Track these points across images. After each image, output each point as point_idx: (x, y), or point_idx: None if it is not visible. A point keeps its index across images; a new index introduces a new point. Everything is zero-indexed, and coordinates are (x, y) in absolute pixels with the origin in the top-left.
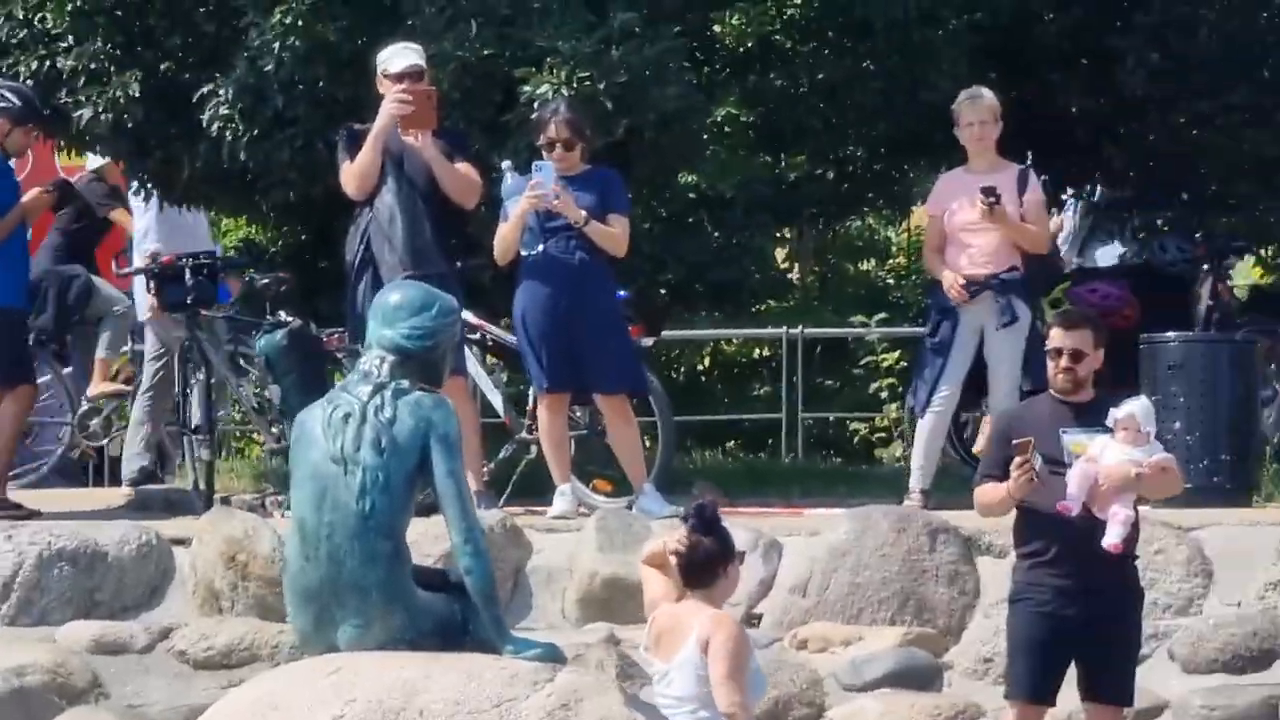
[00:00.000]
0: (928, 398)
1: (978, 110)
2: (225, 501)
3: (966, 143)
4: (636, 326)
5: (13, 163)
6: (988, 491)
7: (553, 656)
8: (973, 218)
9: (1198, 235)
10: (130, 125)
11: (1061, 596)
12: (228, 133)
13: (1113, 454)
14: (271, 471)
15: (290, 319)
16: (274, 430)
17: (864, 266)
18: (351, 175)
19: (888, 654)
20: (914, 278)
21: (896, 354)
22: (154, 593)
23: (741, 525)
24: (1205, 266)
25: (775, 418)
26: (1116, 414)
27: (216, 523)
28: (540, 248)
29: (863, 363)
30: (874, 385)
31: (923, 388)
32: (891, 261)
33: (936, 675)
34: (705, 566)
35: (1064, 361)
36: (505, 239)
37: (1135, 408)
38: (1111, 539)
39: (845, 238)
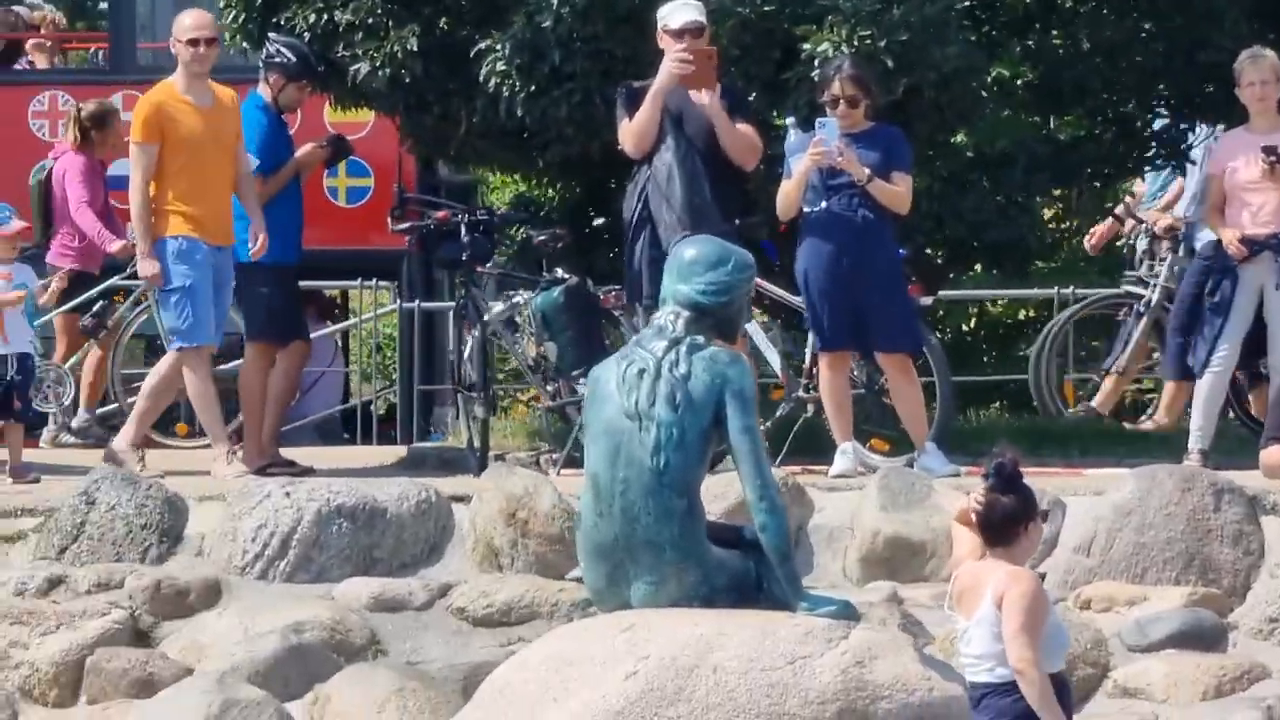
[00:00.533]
0: (1207, 357)
1: (1259, 69)
2: (500, 459)
3: (1248, 102)
4: (915, 285)
5: (285, 118)
6: (1275, 454)
7: (847, 614)
8: (1254, 176)
9: None
10: (407, 80)
11: None
12: (505, 88)
13: None
14: (546, 429)
15: (567, 276)
16: (549, 388)
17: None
18: (630, 133)
19: (1173, 614)
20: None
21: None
22: (433, 550)
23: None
24: None
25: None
26: None
27: (497, 480)
28: (824, 204)
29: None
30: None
31: (1202, 347)
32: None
33: (1222, 635)
34: (1005, 525)
35: None
36: (788, 196)
37: None
38: None
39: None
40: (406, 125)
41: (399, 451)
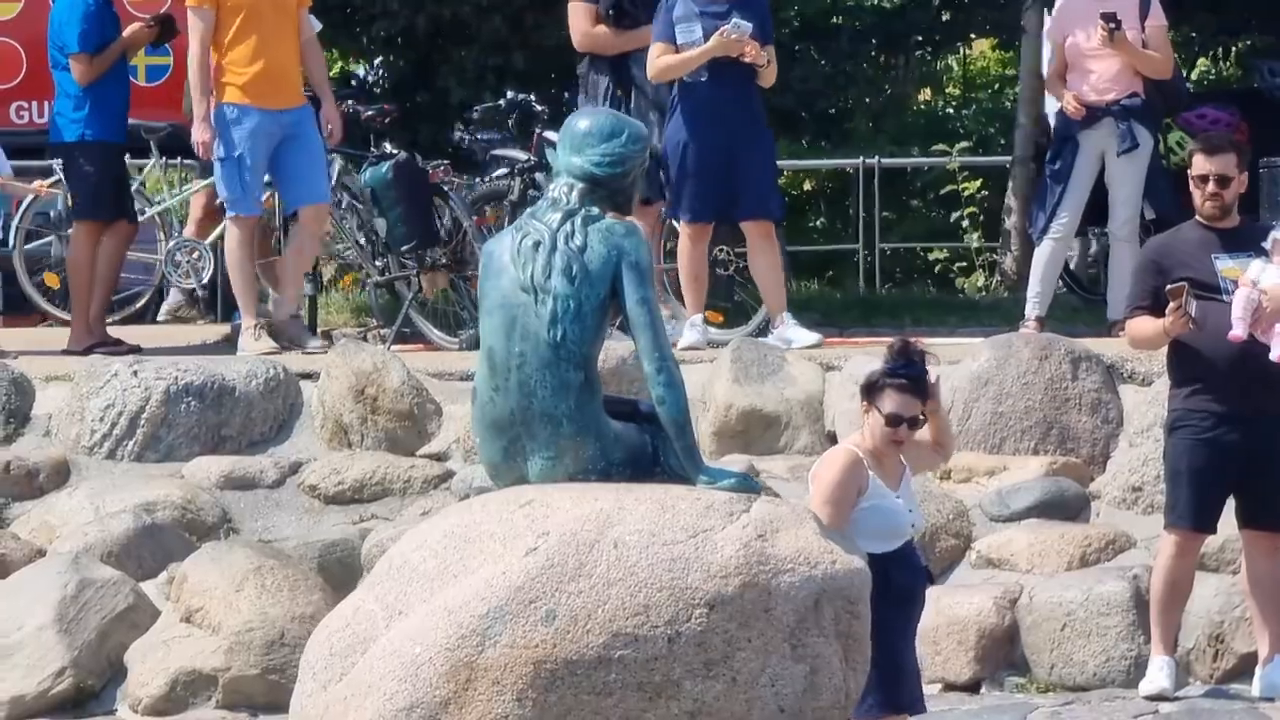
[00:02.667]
0: (1046, 224)
1: None
2: (327, 336)
3: None
4: None
5: None
6: (1142, 325)
7: (747, 486)
8: (1094, 44)
9: None
10: None
11: (1223, 423)
12: None
13: (1272, 276)
14: (375, 305)
15: (396, 151)
16: (378, 263)
17: (922, 98)
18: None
19: (1034, 484)
20: (972, 108)
21: (978, 183)
22: (281, 428)
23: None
24: None
25: (850, 248)
26: (1276, 235)
27: (345, 356)
28: (704, 76)
29: (944, 191)
30: (954, 214)
31: (1041, 215)
32: (949, 92)
33: (1084, 505)
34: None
35: (1210, 187)
36: (672, 68)
37: None
38: (1278, 352)
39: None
40: None
41: (222, 329)
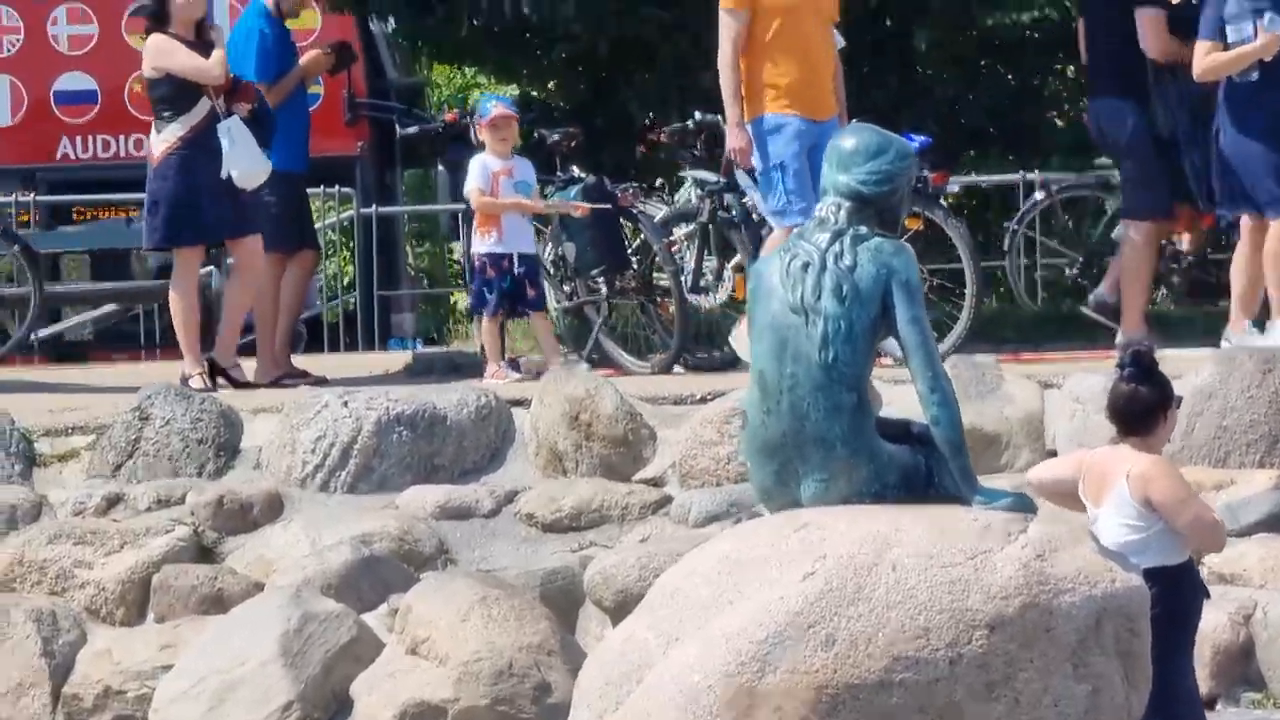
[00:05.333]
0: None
1: None
2: (514, 363)
3: None
4: (939, 173)
5: (292, 23)
6: None
7: (1024, 506)
8: None
9: None
10: None
11: None
12: None
13: None
14: (563, 330)
15: (584, 175)
16: (565, 288)
17: None
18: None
19: (1263, 497)
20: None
21: None
22: (494, 456)
23: (1096, 370)
24: None
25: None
26: None
27: (557, 382)
28: (1255, 76)
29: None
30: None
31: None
32: None
33: None
34: (1145, 415)
35: None
36: (1224, 65)
37: None
38: None
39: None
40: (408, 29)
41: (403, 357)
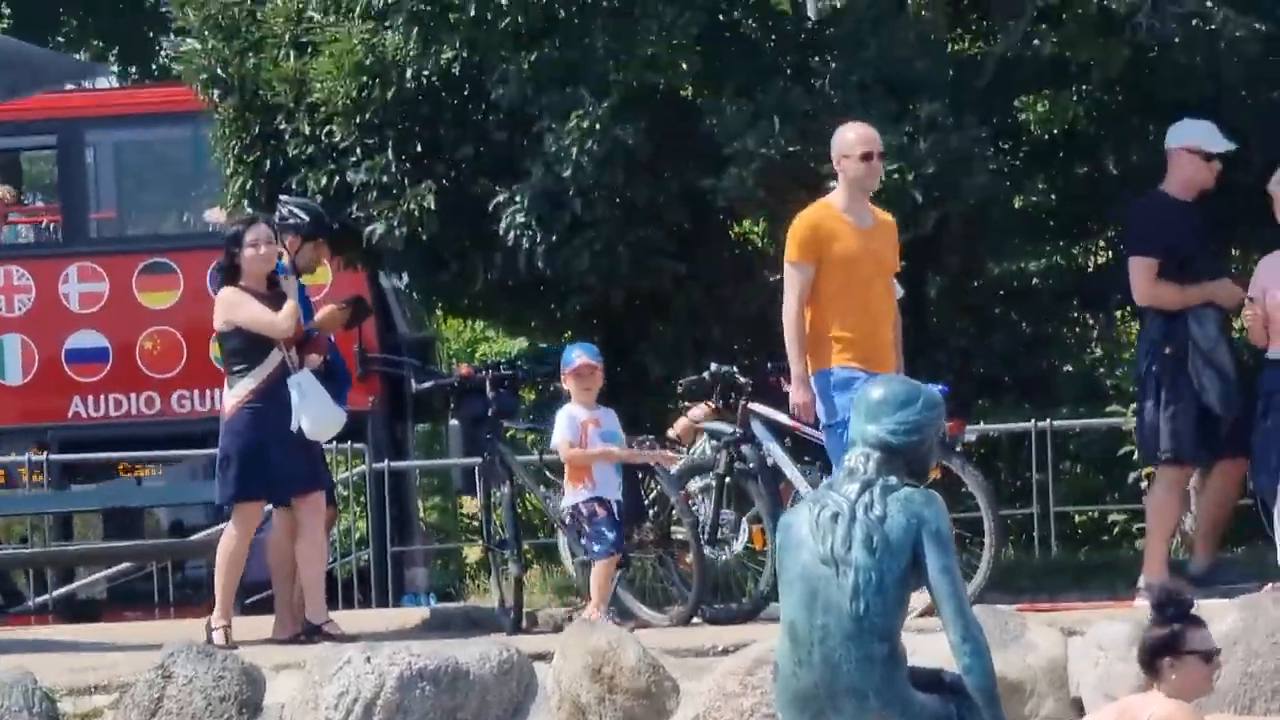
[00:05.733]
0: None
1: None
2: (532, 618)
3: None
4: (955, 422)
5: (304, 280)
6: None
7: None
8: None
9: None
10: (425, 238)
11: None
12: (525, 240)
13: None
14: (581, 583)
15: None
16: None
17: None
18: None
19: None
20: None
21: None
22: (516, 710)
23: (1119, 618)
24: None
25: (1025, 511)
26: None
27: (579, 635)
28: None
29: (1122, 452)
30: (1132, 475)
31: (1265, 473)
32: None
33: None
34: (1147, 656)
35: None
36: None
37: None
38: None
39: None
40: (422, 284)
41: (420, 613)
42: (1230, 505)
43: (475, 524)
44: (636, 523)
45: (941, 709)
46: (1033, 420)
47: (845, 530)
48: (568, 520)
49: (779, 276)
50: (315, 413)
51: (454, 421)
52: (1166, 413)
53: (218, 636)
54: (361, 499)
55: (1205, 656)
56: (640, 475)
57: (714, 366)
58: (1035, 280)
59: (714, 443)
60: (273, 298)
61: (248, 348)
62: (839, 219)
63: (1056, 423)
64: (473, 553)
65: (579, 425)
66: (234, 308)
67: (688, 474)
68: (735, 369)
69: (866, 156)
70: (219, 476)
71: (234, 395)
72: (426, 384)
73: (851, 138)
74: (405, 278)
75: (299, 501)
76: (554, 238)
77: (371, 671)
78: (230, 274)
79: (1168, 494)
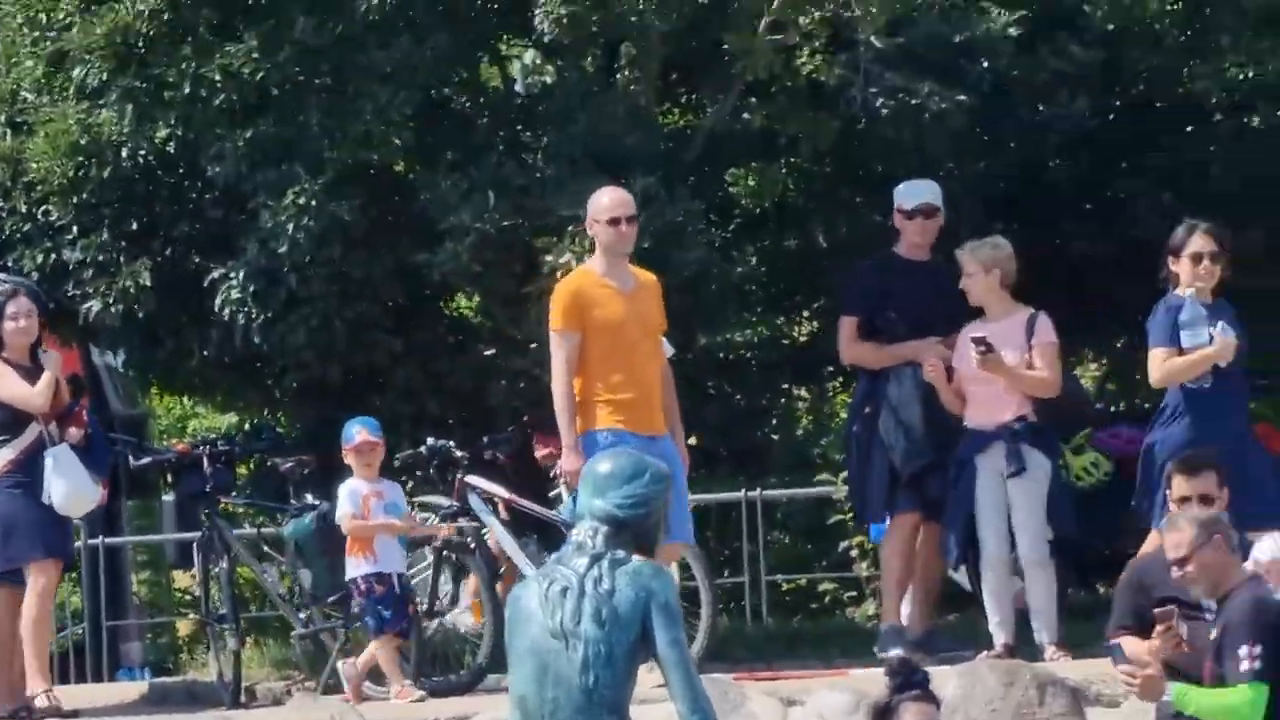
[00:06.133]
0: (960, 553)
1: (972, 259)
2: (251, 692)
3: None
4: None
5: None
6: (1127, 646)
7: None
8: (973, 368)
9: None
10: (141, 315)
11: None
12: (240, 316)
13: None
14: (300, 657)
15: (318, 502)
16: (301, 615)
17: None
18: (855, 358)
19: None
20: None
21: None
22: None
23: (839, 686)
24: None
25: (737, 581)
26: (1260, 556)
27: (303, 710)
28: (1208, 384)
29: (831, 521)
30: (842, 544)
31: (955, 544)
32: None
33: None
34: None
35: (1194, 508)
36: (1181, 373)
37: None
38: None
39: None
40: (137, 362)
41: (139, 687)
42: (939, 570)
43: (188, 598)
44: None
45: None
46: (743, 490)
47: (575, 604)
48: (363, 589)
49: (493, 351)
50: (68, 487)
51: (167, 497)
52: (861, 471)
53: (40, 702)
54: (74, 574)
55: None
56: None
57: (430, 441)
58: (746, 352)
59: (432, 516)
60: (33, 370)
61: (6, 419)
62: (600, 284)
63: (766, 492)
64: (184, 627)
65: (360, 498)
66: None
67: (407, 548)
68: (451, 443)
69: (614, 221)
70: None
71: None
72: (144, 460)
73: (605, 203)
74: (120, 354)
75: (38, 567)
76: (270, 313)
77: None
78: None
79: (889, 548)
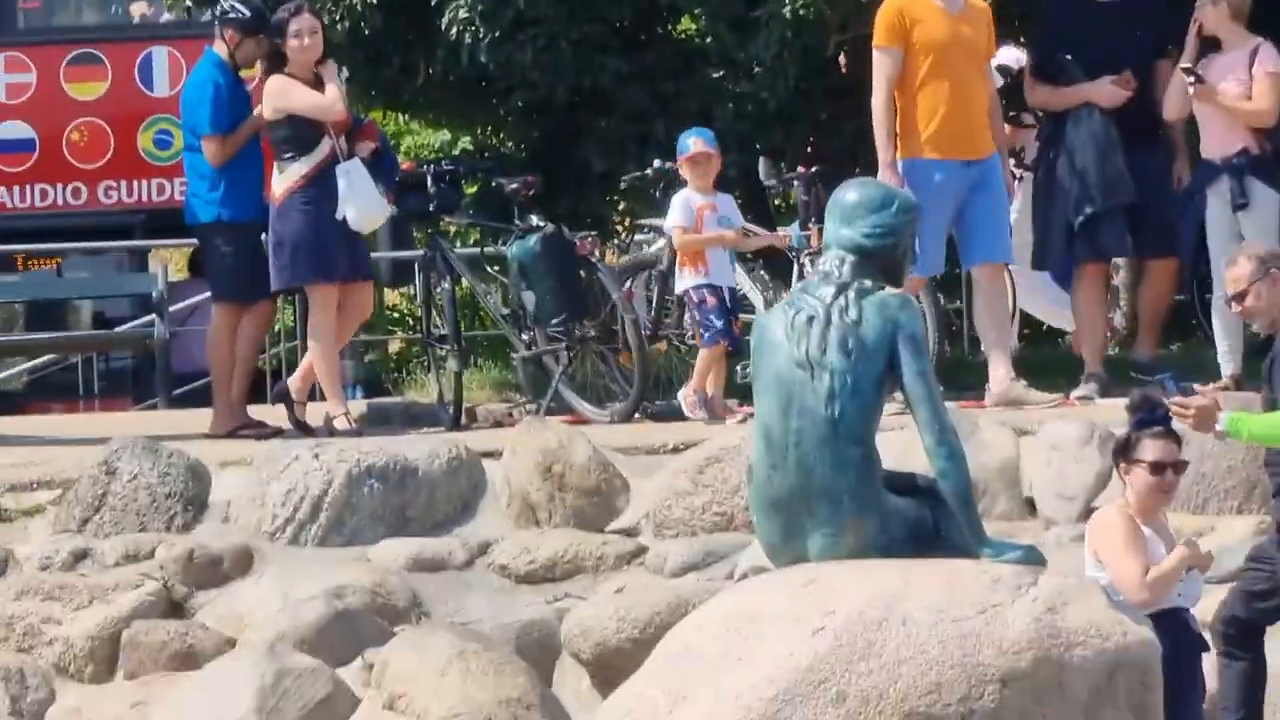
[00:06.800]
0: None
1: None
2: (471, 414)
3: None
4: None
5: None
6: None
7: (1033, 559)
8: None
9: None
10: (367, 33)
11: None
12: (467, 36)
13: None
14: (523, 380)
15: (543, 224)
16: (524, 337)
17: None
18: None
19: (1245, 544)
20: None
21: None
22: (465, 508)
23: (1071, 418)
24: None
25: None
26: None
27: (530, 433)
28: None
29: None
30: None
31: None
32: None
33: None
34: (1114, 457)
35: None
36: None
37: None
38: None
39: None
40: (363, 78)
41: (356, 407)
42: (1165, 300)
43: (396, 315)
44: (579, 319)
45: (916, 513)
46: None
47: (820, 334)
48: (695, 300)
49: (720, 73)
50: (360, 203)
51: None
52: (1044, 217)
53: (339, 424)
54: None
55: (1152, 468)
56: (582, 271)
57: (657, 163)
58: None
59: (657, 238)
60: (318, 89)
61: (297, 135)
62: (926, 2)
63: None
64: (395, 346)
65: (694, 210)
66: (283, 95)
67: (630, 270)
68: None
69: None
70: (273, 263)
71: (284, 180)
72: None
73: None
74: (346, 72)
75: (345, 288)
76: (497, 32)
77: (320, 468)
78: (275, 62)
79: (1076, 300)
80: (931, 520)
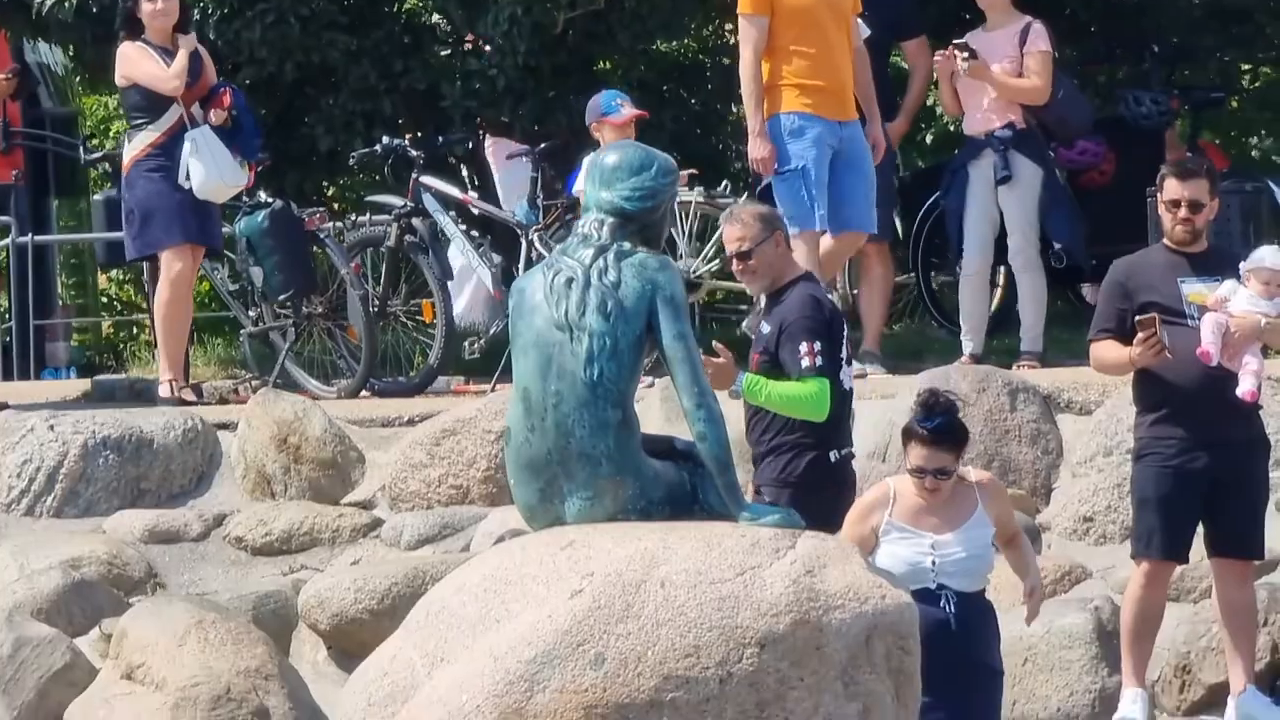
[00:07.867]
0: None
1: None
2: (197, 389)
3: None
4: None
5: None
6: (1107, 350)
7: (791, 522)
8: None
9: (1174, 90)
10: (94, 10)
11: (1190, 449)
12: (195, 11)
13: (1240, 302)
14: (249, 356)
15: (271, 200)
16: (251, 313)
17: None
18: None
19: None
20: None
21: None
22: (201, 479)
23: None
24: (1178, 119)
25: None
26: (1247, 265)
27: (265, 405)
28: None
29: None
30: None
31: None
32: None
33: (1034, 537)
34: None
35: (1182, 212)
36: None
37: (1269, 256)
38: (1246, 387)
39: None
40: (90, 57)
41: (80, 385)
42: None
43: (107, 299)
44: (307, 294)
45: (674, 475)
46: None
47: (580, 295)
48: None
49: (448, 52)
50: (206, 171)
51: (97, 196)
52: None
53: (163, 391)
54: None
55: (912, 470)
56: (310, 247)
57: (385, 140)
58: (702, 58)
59: (382, 215)
60: (175, 54)
61: (146, 103)
62: None
63: None
64: (108, 327)
65: None
66: (129, 62)
67: (358, 246)
68: (406, 142)
69: None
70: (127, 231)
71: (132, 149)
72: (95, 155)
73: None
74: (55, 50)
75: (172, 253)
76: (225, 9)
77: (55, 439)
78: (132, 28)
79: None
80: (690, 484)
